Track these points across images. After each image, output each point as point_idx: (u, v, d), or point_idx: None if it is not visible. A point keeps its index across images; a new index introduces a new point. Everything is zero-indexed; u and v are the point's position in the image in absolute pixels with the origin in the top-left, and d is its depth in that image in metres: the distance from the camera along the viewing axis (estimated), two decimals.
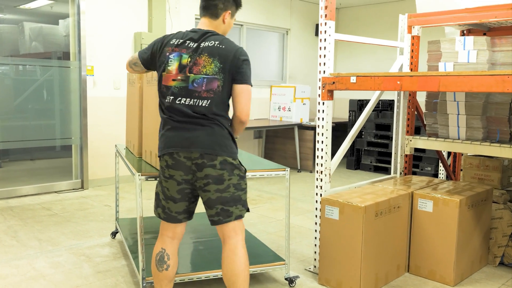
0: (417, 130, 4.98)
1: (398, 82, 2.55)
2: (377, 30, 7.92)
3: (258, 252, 3.09)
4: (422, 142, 3.71)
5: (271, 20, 7.64)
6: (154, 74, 2.83)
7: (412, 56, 3.68)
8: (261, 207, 4.92)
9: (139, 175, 2.56)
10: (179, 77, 2.19)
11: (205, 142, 2.16)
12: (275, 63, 8.10)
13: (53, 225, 4.09)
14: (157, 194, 2.36)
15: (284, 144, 7.59)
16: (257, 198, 5.26)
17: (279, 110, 7.60)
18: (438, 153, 4.36)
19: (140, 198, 2.58)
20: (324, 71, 2.93)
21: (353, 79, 2.76)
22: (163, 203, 2.30)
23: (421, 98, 3.84)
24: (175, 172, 2.22)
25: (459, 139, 3.54)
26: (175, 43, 2.24)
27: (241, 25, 7.32)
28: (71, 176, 5.60)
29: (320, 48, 2.92)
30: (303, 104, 7.50)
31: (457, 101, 3.54)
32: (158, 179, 2.39)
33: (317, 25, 8.46)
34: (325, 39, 2.88)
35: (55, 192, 5.33)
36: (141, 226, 2.60)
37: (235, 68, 2.18)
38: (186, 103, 2.18)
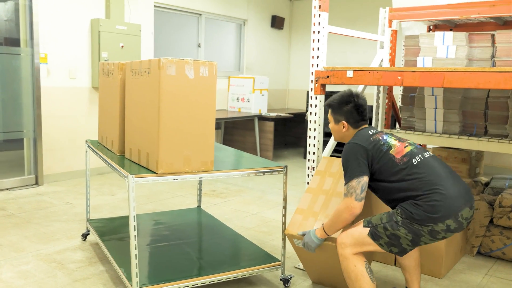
0: None
1: (399, 78, 2.54)
2: (333, 23, 7.96)
3: (249, 252, 2.99)
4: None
5: (229, 10, 7.48)
6: (137, 66, 2.63)
7: (391, 51, 3.70)
8: (231, 200, 4.81)
9: (132, 177, 2.36)
10: (406, 144, 2.39)
11: (470, 192, 2.28)
12: (233, 53, 7.97)
13: (12, 228, 3.75)
14: (397, 236, 2.19)
15: (243, 135, 7.50)
16: (224, 191, 5.15)
17: (238, 101, 7.49)
18: None
19: (134, 202, 2.39)
20: (317, 65, 2.86)
21: (349, 73, 2.71)
22: (408, 248, 2.24)
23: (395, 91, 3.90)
24: (451, 235, 2.20)
25: (436, 132, 3.62)
26: (374, 132, 2.43)
27: (200, 14, 7.11)
28: (23, 171, 5.19)
29: (313, 40, 2.85)
30: (262, 95, 7.44)
31: (435, 95, 3.61)
32: (399, 222, 2.19)
33: (273, 17, 8.41)
34: (318, 31, 2.81)
35: (7, 189, 4.92)
36: (134, 233, 2.40)
37: None
38: (429, 155, 2.35)
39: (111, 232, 3.30)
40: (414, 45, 3.73)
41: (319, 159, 2.96)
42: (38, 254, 3.24)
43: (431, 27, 4.49)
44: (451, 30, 4.41)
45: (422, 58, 3.60)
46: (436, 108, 3.62)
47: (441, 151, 4.27)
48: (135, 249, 2.40)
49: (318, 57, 2.85)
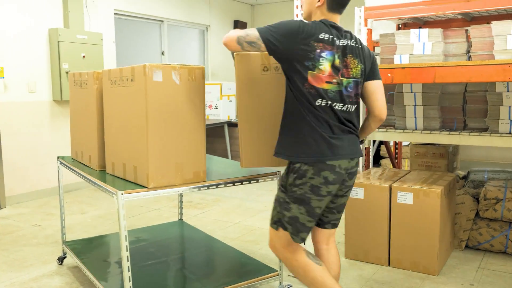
0: None
1: (389, 75, 2.50)
2: None
3: (243, 264, 2.86)
4: (381, 134, 3.73)
5: (191, 16, 7.34)
6: (117, 74, 2.46)
7: None
8: (210, 210, 4.66)
9: (122, 193, 2.19)
10: (334, 80, 1.99)
11: (359, 147, 2.10)
12: (197, 60, 7.81)
13: None
14: (294, 218, 2.05)
15: (212, 142, 7.35)
16: (202, 202, 4.99)
17: (206, 108, 7.34)
18: (386, 144, 4.47)
19: (125, 221, 2.21)
20: None
21: None
22: (311, 223, 2.08)
23: None
24: (333, 187, 2.03)
25: (417, 129, 3.62)
26: (325, 38, 1.97)
27: (162, 21, 6.92)
28: None
29: None
30: (230, 101, 7.32)
31: (414, 92, 3.62)
32: (286, 200, 2.07)
33: (235, 22, 8.33)
34: None
35: None
36: (127, 254, 2.22)
37: (371, 66, 2.14)
38: (341, 108, 2.02)
39: (91, 254, 3.09)
40: (389, 43, 3.72)
41: None
42: (12, 284, 2.98)
43: (400, 25, 4.53)
44: (420, 27, 4.47)
45: (399, 56, 3.59)
46: (415, 105, 3.63)
47: (419, 147, 4.30)
48: (128, 271, 2.22)
49: None
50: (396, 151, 4.78)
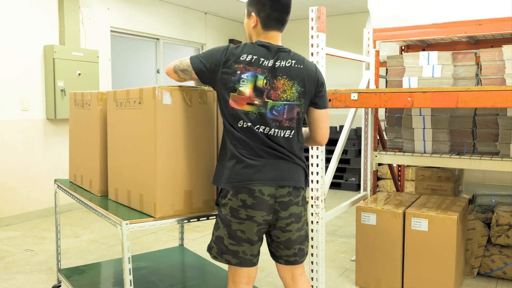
0: None
1: (409, 99, 2.42)
2: (288, 45, 7.95)
3: None
4: (388, 158, 3.66)
5: (187, 35, 7.27)
6: (123, 95, 2.35)
7: (375, 72, 3.63)
8: (208, 235, 4.50)
9: (126, 223, 2.04)
10: (256, 102, 1.87)
11: (294, 175, 1.92)
12: None
13: None
14: (220, 238, 1.98)
15: None
16: (200, 225, 4.83)
17: None
18: (390, 167, 4.39)
19: (129, 253, 2.06)
20: None
21: (354, 96, 2.57)
22: (235, 247, 1.94)
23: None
24: (255, 213, 1.89)
25: (425, 152, 3.54)
26: (247, 59, 1.87)
27: (157, 38, 6.83)
28: None
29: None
30: None
31: (423, 115, 3.56)
32: (217, 219, 2.03)
33: (230, 40, 8.28)
34: (317, 53, 2.66)
35: None
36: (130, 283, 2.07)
37: (316, 91, 1.98)
38: (266, 132, 1.89)
39: (88, 283, 2.92)
40: (397, 65, 3.67)
41: (324, 188, 2.76)
42: None
43: (403, 47, 4.49)
44: (423, 50, 4.44)
45: (407, 78, 3.54)
46: (424, 128, 3.56)
47: (424, 170, 4.22)
48: None
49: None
50: (399, 173, 4.70)
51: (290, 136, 1.93)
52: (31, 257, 3.82)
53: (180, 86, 2.15)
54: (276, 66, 1.90)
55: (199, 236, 4.43)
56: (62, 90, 5.08)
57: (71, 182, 3.05)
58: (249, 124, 1.88)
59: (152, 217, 2.13)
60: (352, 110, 3.31)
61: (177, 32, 7.05)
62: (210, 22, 7.74)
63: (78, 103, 2.90)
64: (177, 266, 3.27)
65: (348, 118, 3.30)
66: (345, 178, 7.09)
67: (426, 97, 2.38)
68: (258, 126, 1.88)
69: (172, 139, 2.12)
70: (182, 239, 3.63)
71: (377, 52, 3.65)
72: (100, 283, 2.99)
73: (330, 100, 2.66)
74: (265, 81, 1.88)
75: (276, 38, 1.99)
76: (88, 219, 5.05)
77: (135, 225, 2.08)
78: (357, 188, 6.91)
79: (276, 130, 1.90)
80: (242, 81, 1.88)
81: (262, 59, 1.90)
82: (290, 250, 2.01)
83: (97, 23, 5.70)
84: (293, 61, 1.93)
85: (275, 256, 2.07)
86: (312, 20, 2.64)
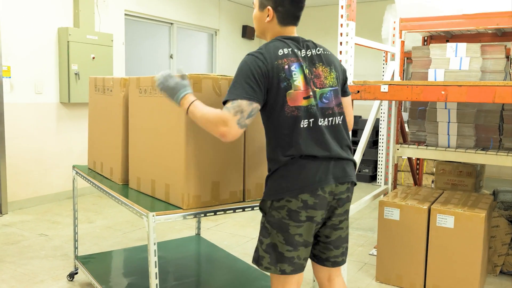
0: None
1: (443, 92, 2.33)
2: (303, 33, 7.84)
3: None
4: (411, 151, 3.57)
5: (200, 20, 7.15)
6: (148, 82, 2.27)
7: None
8: (223, 223, 4.47)
9: (153, 215, 1.98)
10: (310, 94, 1.78)
11: (351, 170, 1.86)
12: (205, 64, 7.62)
13: None
14: (273, 245, 1.80)
15: None
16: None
17: None
18: (410, 160, 4.31)
19: (155, 245, 2.00)
20: None
21: (384, 88, 2.48)
22: (291, 253, 1.78)
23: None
24: (316, 213, 1.77)
25: (449, 147, 3.46)
26: (285, 53, 1.78)
27: (171, 23, 6.72)
28: None
29: (340, 52, 2.60)
30: None
31: (449, 109, 3.46)
32: (266, 225, 1.83)
33: (243, 27, 8.16)
34: (346, 42, 2.57)
35: None
36: (155, 281, 2.02)
37: (344, 79, 1.99)
38: (325, 124, 1.80)
39: (107, 271, 2.88)
40: (422, 57, 3.57)
41: None
42: None
43: (426, 38, 4.38)
44: (447, 41, 4.33)
45: (433, 70, 3.44)
46: (449, 122, 3.47)
47: (445, 164, 4.14)
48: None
49: (346, 71, 2.60)
50: (417, 166, 4.62)
51: (341, 122, 1.86)
52: (45, 242, 3.79)
53: (208, 75, 2.07)
54: (309, 55, 1.84)
55: (214, 225, 4.39)
56: (76, 74, 5.01)
57: (89, 169, 3.00)
58: (311, 120, 1.76)
59: (180, 208, 2.06)
60: (377, 102, 3.22)
61: (191, 17, 6.94)
62: (224, 8, 7.62)
63: (98, 88, 2.83)
64: (194, 257, 3.22)
65: (372, 110, 3.22)
66: (358, 169, 7.01)
67: (461, 91, 2.29)
68: (317, 119, 1.78)
69: (201, 128, 2.05)
70: (199, 228, 3.59)
71: (403, 43, 3.55)
72: (118, 271, 2.95)
73: (358, 91, 2.58)
74: (307, 70, 1.80)
75: (294, 32, 1.91)
76: (100, 204, 5.02)
77: (161, 217, 2.01)
78: (370, 179, 6.85)
79: (331, 119, 1.81)
80: (294, 73, 1.76)
81: (296, 50, 1.82)
82: (338, 250, 1.91)
83: (111, 6, 5.61)
84: (321, 49, 1.89)
85: (320, 258, 1.94)
86: (342, 8, 2.55)
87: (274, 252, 1.79)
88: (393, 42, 3.50)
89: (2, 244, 3.73)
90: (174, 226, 4.31)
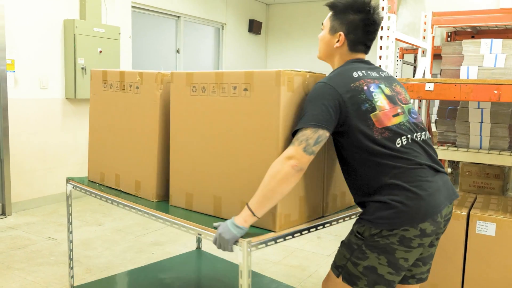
0: None
1: (495, 92, 2.17)
2: (310, 28, 7.65)
3: None
4: (441, 153, 3.40)
5: (208, 13, 6.94)
6: (221, 80, 1.88)
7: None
8: None
9: (248, 242, 1.61)
10: (399, 110, 1.67)
11: (452, 186, 1.72)
12: (211, 58, 7.42)
13: None
14: (372, 268, 1.64)
15: None
16: None
17: None
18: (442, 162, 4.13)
19: (250, 278, 1.63)
20: None
21: (429, 87, 2.31)
22: (392, 277, 1.65)
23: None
24: (429, 239, 1.65)
25: (482, 148, 3.30)
26: (360, 75, 1.69)
27: (178, 16, 6.51)
28: None
29: (381, 47, 2.42)
30: None
31: (482, 108, 3.30)
32: (363, 248, 1.66)
33: (250, 21, 7.95)
34: (387, 37, 2.39)
35: None
36: None
37: None
38: (422, 138, 1.69)
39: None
40: (454, 53, 3.40)
41: None
42: None
43: (450, 34, 4.22)
44: (472, 37, 4.17)
45: (466, 68, 3.27)
46: (482, 122, 3.31)
47: (471, 166, 3.96)
48: None
49: (386, 67, 2.43)
50: None
51: (429, 136, 1.77)
52: (54, 247, 3.59)
53: (298, 71, 1.78)
54: (383, 75, 1.79)
55: None
56: (82, 68, 4.80)
57: (91, 181, 2.58)
58: (409, 136, 1.64)
59: (271, 231, 1.73)
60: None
61: (198, 10, 6.73)
62: (231, 2, 7.41)
63: (112, 84, 2.52)
64: (199, 273, 2.94)
65: None
66: None
67: None
68: (412, 133, 1.67)
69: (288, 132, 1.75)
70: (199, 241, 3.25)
71: (433, 38, 3.38)
72: None
73: None
74: (387, 89, 1.72)
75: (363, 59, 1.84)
76: (107, 205, 4.82)
77: (256, 243, 1.66)
78: None
79: (424, 133, 1.72)
80: (374, 94, 1.66)
81: (369, 72, 1.73)
82: (426, 266, 1.79)
83: None
84: (385, 71, 1.85)
85: (405, 276, 1.78)
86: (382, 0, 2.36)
87: (372, 274, 1.65)
88: (424, 37, 3.32)
89: (9, 249, 3.53)
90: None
